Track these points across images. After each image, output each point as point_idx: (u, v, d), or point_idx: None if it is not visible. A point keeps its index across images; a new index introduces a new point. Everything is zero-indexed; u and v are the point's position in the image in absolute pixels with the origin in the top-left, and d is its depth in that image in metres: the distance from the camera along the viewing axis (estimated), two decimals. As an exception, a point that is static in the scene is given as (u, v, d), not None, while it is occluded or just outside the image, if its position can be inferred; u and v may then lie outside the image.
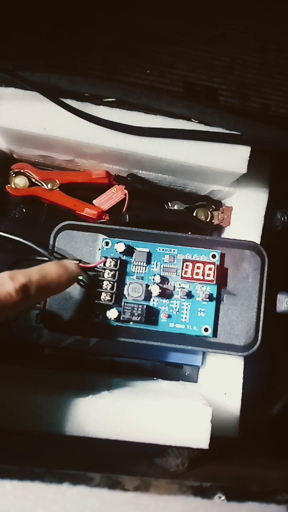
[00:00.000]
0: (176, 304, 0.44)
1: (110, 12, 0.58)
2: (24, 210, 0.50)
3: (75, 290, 0.44)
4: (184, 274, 0.44)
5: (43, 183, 0.49)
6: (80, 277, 0.43)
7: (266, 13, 0.61)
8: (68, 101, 0.43)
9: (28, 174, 0.49)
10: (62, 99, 0.42)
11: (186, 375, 0.51)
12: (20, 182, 0.49)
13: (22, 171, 0.49)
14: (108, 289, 0.44)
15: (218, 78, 0.59)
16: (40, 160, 0.49)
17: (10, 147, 0.47)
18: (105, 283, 0.44)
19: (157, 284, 0.44)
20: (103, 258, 0.44)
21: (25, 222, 0.50)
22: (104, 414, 0.39)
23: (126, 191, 0.50)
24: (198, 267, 0.44)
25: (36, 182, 0.49)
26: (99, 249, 0.45)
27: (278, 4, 0.60)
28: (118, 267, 0.44)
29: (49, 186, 0.49)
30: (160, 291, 0.44)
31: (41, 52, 0.54)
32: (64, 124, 0.43)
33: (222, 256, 0.45)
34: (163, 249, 0.45)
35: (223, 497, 0.32)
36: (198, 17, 0.60)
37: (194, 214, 0.51)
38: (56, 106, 0.42)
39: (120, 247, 0.44)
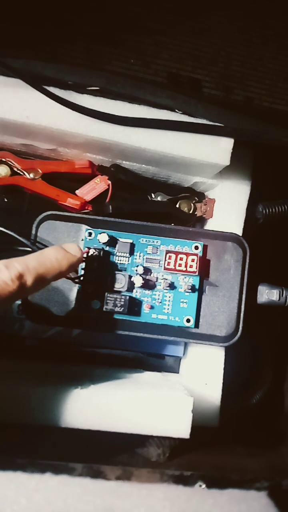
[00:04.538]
0: (159, 295, 0.45)
1: (95, 0, 0.57)
2: (5, 200, 0.50)
3: (57, 281, 0.44)
4: (167, 265, 0.44)
5: (25, 172, 0.48)
6: None
7: (251, 6, 0.61)
8: (52, 89, 0.42)
9: (10, 163, 0.48)
10: (45, 87, 0.42)
11: (168, 365, 0.51)
12: (1, 171, 0.48)
13: (3, 159, 0.48)
14: (91, 280, 0.43)
15: (202, 70, 0.59)
16: (22, 149, 0.48)
17: (-8, 135, 0.47)
18: (87, 273, 0.43)
19: (140, 275, 0.44)
20: (86, 248, 0.44)
21: (7, 211, 0.50)
22: (86, 405, 0.39)
23: (110, 182, 0.49)
24: (181, 259, 0.44)
25: (18, 171, 0.48)
26: (82, 240, 0.45)
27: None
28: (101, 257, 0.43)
29: (32, 175, 0.48)
30: (143, 282, 0.44)
31: (24, 39, 0.53)
32: (47, 112, 0.42)
33: (205, 247, 0.45)
34: (146, 240, 0.45)
35: (203, 486, 0.33)
36: (184, 8, 0.59)
37: (177, 205, 0.51)
38: (39, 94, 0.41)
39: (103, 238, 0.44)
